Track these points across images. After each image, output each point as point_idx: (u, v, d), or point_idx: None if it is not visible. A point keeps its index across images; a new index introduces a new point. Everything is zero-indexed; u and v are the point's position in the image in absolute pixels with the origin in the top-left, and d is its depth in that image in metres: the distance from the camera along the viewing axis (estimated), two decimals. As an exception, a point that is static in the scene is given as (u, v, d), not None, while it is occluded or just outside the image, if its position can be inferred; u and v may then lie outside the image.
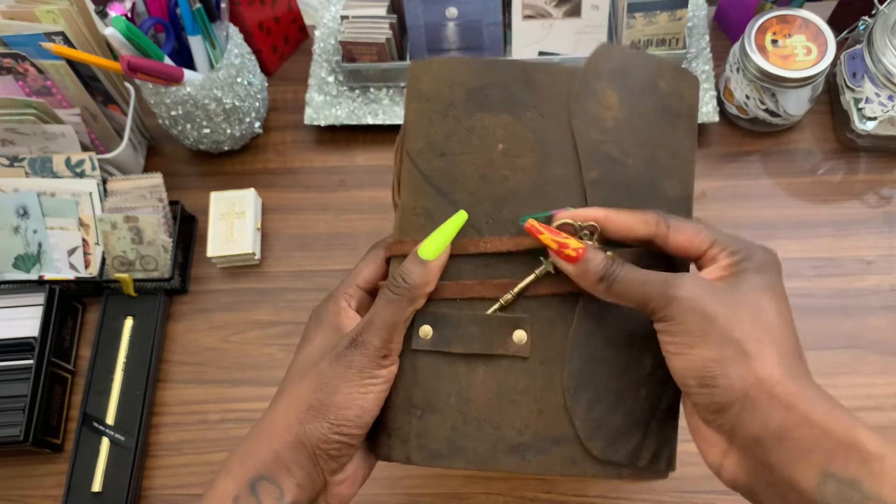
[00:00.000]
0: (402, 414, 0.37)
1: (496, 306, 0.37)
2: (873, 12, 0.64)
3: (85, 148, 0.69)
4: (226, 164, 0.75)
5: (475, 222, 0.37)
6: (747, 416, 0.31)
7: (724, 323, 0.32)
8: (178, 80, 0.64)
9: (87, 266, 0.68)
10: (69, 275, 0.67)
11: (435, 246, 0.36)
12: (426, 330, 0.37)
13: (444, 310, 0.37)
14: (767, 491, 0.32)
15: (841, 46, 0.69)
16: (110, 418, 0.63)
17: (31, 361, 0.62)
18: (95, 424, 0.62)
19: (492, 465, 0.36)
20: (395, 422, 0.37)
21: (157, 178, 0.68)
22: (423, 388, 0.37)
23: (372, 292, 0.40)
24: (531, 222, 0.36)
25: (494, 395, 0.36)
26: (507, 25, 0.73)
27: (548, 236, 0.35)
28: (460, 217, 0.37)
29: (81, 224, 0.68)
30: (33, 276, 0.67)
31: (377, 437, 0.38)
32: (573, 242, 0.34)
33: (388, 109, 0.75)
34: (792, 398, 0.31)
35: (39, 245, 0.68)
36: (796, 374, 0.32)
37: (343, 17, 0.72)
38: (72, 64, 0.65)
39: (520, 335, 0.36)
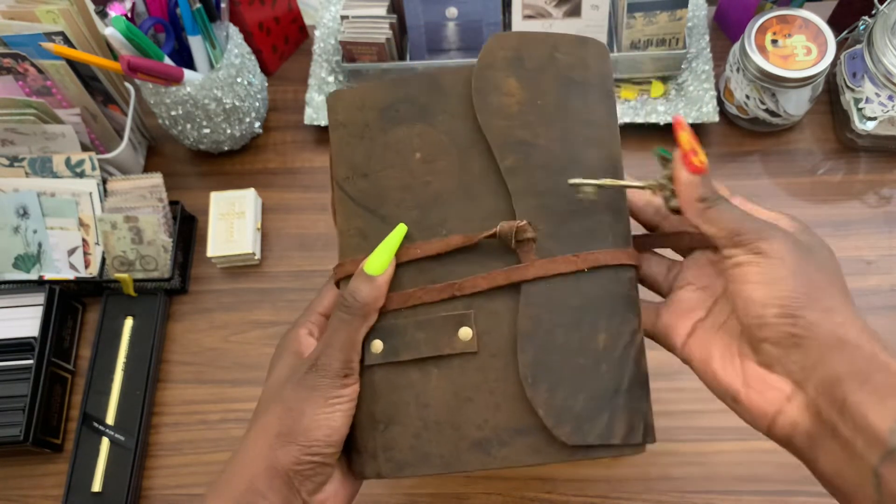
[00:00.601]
0: (367, 430, 0.38)
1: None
2: (873, 12, 0.64)
3: (85, 148, 0.69)
4: (226, 164, 0.75)
5: (408, 233, 0.38)
6: (833, 354, 0.32)
7: (817, 269, 0.34)
8: (178, 80, 0.64)
9: (87, 266, 0.68)
10: (69, 275, 0.67)
11: (380, 261, 0.37)
12: (377, 344, 0.38)
13: (391, 321, 0.38)
14: (828, 439, 0.32)
15: (841, 46, 0.69)
16: (110, 418, 0.63)
17: (31, 361, 0.62)
18: (95, 424, 0.62)
19: (457, 466, 0.36)
20: (362, 439, 0.38)
21: (157, 178, 0.68)
22: (382, 401, 0.37)
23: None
24: (677, 118, 0.36)
25: (450, 395, 0.36)
26: (507, 25, 0.73)
27: (687, 136, 0.36)
28: (401, 230, 0.38)
29: (81, 224, 0.68)
30: (33, 276, 0.67)
31: (351, 458, 0.39)
32: (702, 155, 0.36)
33: (388, 109, 0.75)
34: (874, 345, 0.32)
35: (39, 245, 0.68)
36: (859, 323, 0.33)
37: (343, 17, 0.72)
38: (72, 64, 0.65)
39: (465, 332, 0.36)
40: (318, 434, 0.35)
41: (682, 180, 0.36)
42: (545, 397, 0.35)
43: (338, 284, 0.41)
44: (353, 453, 0.39)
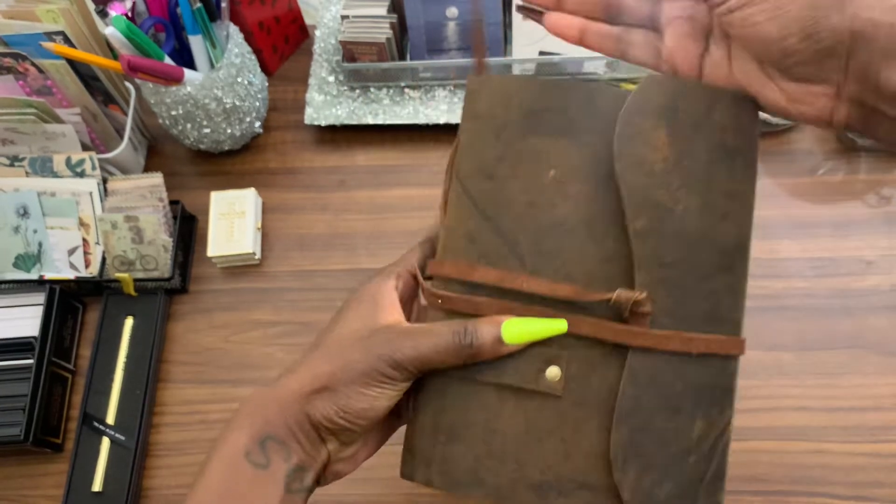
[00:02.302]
0: (427, 437, 0.37)
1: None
2: (874, 12, 0.64)
3: (85, 147, 0.69)
4: (226, 163, 0.75)
5: (517, 250, 0.35)
6: (855, 47, 0.31)
7: None
8: (178, 79, 0.64)
9: (87, 266, 0.68)
10: (69, 274, 0.67)
11: (521, 334, 0.34)
12: None
13: None
14: (881, 120, 0.32)
15: (841, 46, 0.69)
16: (110, 418, 0.63)
17: (31, 361, 0.62)
18: (96, 424, 0.62)
19: (511, 501, 0.35)
20: (420, 443, 0.37)
21: (157, 178, 0.68)
22: (450, 414, 0.36)
23: (418, 281, 0.40)
24: None
25: (522, 430, 0.35)
26: (507, 25, 0.73)
27: None
28: (560, 326, 0.34)
29: (82, 224, 0.68)
30: (33, 275, 0.67)
31: (404, 458, 0.38)
32: None
33: (388, 109, 0.75)
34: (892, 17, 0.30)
35: (40, 245, 0.68)
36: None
37: (343, 17, 0.72)
38: (72, 63, 0.65)
39: (553, 372, 0.35)
40: (358, 406, 0.35)
41: None
42: (632, 480, 0.34)
43: (427, 278, 0.39)
44: (405, 452, 0.38)
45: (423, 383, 0.37)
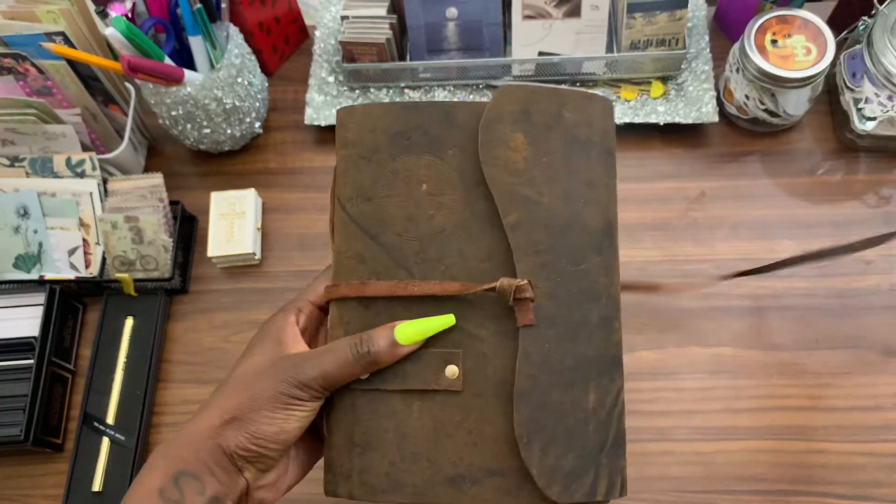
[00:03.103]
0: (343, 452, 0.38)
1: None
2: (873, 12, 0.64)
3: (85, 148, 0.69)
4: (226, 164, 0.75)
5: (404, 262, 0.38)
6: None
7: None
8: (178, 80, 0.64)
9: (87, 266, 0.68)
10: (69, 275, 0.67)
11: (413, 334, 0.37)
12: None
13: None
14: None
15: (840, 47, 0.69)
16: (111, 418, 0.63)
17: (31, 361, 0.62)
18: (96, 424, 0.62)
19: (429, 498, 0.37)
20: (338, 459, 0.38)
21: (157, 178, 0.68)
22: (362, 425, 0.38)
23: (324, 309, 0.42)
24: None
25: (430, 429, 0.37)
26: (507, 26, 0.73)
27: None
28: (447, 320, 0.37)
29: (82, 224, 0.68)
30: (34, 275, 0.67)
31: (326, 476, 0.39)
32: None
33: (388, 109, 0.75)
34: None
35: (40, 245, 0.68)
36: None
37: (343, 18, 0.72)
38: (72, 64, 0.65)
39: (452, 370, 0.37)
40: (269, 430, 0.36)
41: None
42: (538, 456, 0.36)
43: (327, 303, 0.41)
44: (326, 472, 0.39)
45: (332, 401, 0.39)
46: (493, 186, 0.37)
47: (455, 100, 0.38)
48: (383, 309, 0.38)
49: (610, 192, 0.40)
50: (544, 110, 0.38)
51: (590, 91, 0.39)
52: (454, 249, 0.38)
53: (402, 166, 0.39)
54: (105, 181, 0.69)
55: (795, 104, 0.67)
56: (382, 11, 0.72)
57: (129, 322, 0.67)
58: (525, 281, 0.36)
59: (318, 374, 0.36)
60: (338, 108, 0.41)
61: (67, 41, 0.63)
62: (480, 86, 0.75)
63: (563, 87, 0.39)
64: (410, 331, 0.37)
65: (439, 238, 0.38)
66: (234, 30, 0.68)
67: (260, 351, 0.40)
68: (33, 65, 0.63)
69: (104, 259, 0.67)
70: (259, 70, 0.72)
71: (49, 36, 0.62)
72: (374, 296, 0.38)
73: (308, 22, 0.82)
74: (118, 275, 0.66)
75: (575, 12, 0.69)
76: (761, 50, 0.65)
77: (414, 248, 0.38)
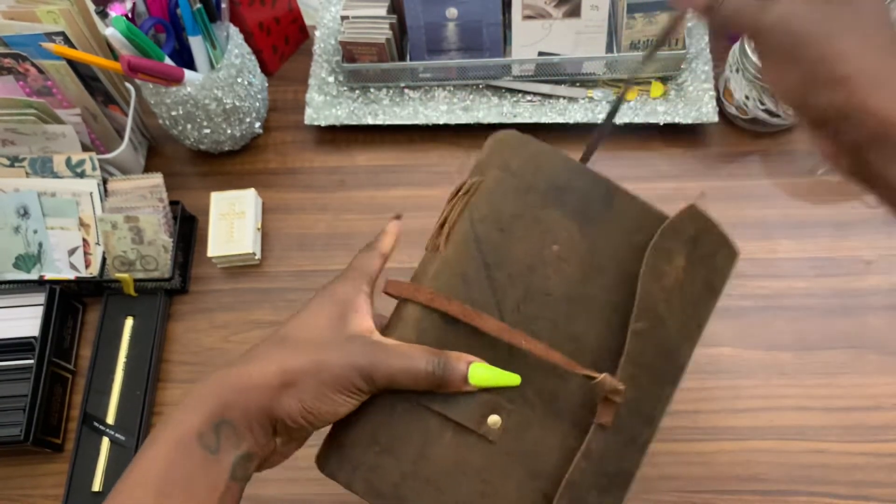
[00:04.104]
0: (362, 443, 0.38)
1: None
2: (873, 13, 0.64)
3: (85, 148, 0.69)
4: (226, 164, 0.75)
5: (501, 304, 0.39)
6: (841, 127, 0.33)
7: (814, 44, 0.33)
8: (178, 80, 0.64)
9: (87, 266, 0.68)
10: (69, 275, 0.67)
11: (484, 379, 0.37)
12: None
13: None
14: (872, 182, 0.35)
15: (840, 47, 0.69)
16: (111, 418, 0.63)
17: (31, 361, 0.62)
18: (96, 424, 0.62)
19: None
20: (353, 448, 0.38)
21: (157, 178, 0.68)
22: (391, 430, 0.38)
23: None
24: None
25: (451, 462, 0.38)
26: (506, 26, 0.73)
27: None
28: (515, 379, 0.38)
29: (82, 224, 0.68)
30: (34, 275, 0.67)
31: (328, 454, 0.39)
32: None
33: (387, 109, 0.75)
34: (885, 110, 0.32)
35: (40, 245, 0.68)
36: (889, 80, 0.32)
37: (343, 18, 0.72)
38: (72, 64, 0.65)
39: (495, 419, 0.38)
40: (323, 409, 0.36)
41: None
42: None
43: (398, 297, 0.40)
44: (333, 448, 0.38)
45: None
46: (641, 289, 0.38)
47: (622, 186, 0.40)
48: (463, 335, 0.38)
49: (698, 338, 0.41)
50: (708, 246, 0.40)
51: (734, 245, 0.42)
52: (550, 316, 0.39)
53: (546, 217, 0.40)
54: (105, 181, 0.69)
55: (795, 104, 0.67)
56: (382, 11, 0.72)
57: (129, 322, 0.67)
58: (623, 387, 0.37)
59: (388, 374, 0.36)
60: (508, 131, 0.42)
61: (67, 41, 0.63)
62: (480, 86, 0.75)
63: (726, 232, 0.42)
64: (483, 374, 0.37)
65: (543, 300, 0.39)
66: (234, 30, 0.68)
67: (327, 316, 0.38)
68: (33, 65, 0.64)
69: (104, 259, 0.67)
70: (259, 70, 0.72)
71: (49, 36, 0.62)
72: (479, 328, 0.38)
73: (308, 22, 0.82)
74: (118, 275, 0.66)
75: (575, 12, 0.69)
76: (761, 50, 0.65)
77: (517, 295, 0.39)
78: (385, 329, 0.39)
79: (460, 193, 0.41)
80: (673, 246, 0.39)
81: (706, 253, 0.40)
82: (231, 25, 0.68)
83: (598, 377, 0.37)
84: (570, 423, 0.38)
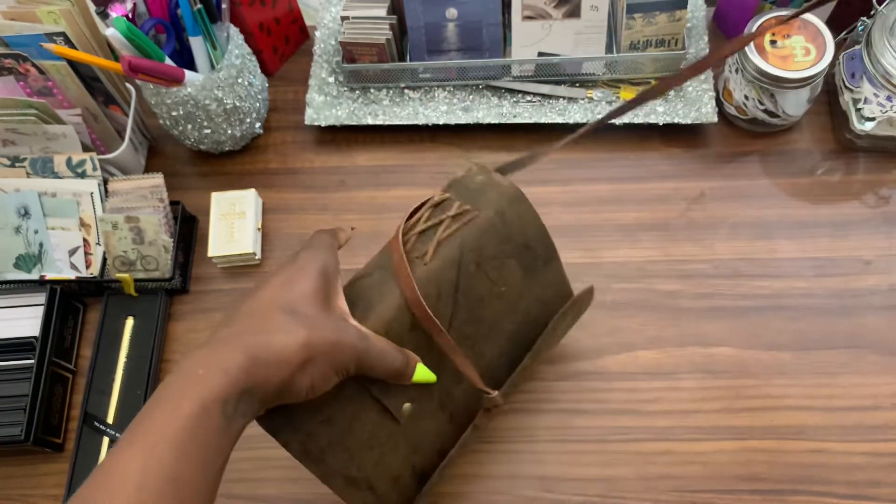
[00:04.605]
0: (310, 412, 0.42)
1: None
2: (872, 13, 0.64)
3: (86, 148, 0.69)
4: (226, 164, 0.76)
5: (453, 320, 0.47)
6: None
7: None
8: (178, 80, 0.64)
9: (88, 266, 0.68)
10: (70, 275, 0.68)
11: (420, 377, 0.44)
12: None
13: None
14: None
15: (840, 47, 0.69)
16: (111, 418, 0.63)
17: (31, 361, 0.62)
18: (96, 424, 0.63)
19: (329, 484, 0.45)
20: (302, 413, 0.42)
21: (157, 179, 0.68)
22: (336, 404, 0.43)
23: None
24: None
25: (366, 436, 0.45)
26: (506, 26, 0.73)
27: None
28: (433, 377, 0.45)
29: (82, 224, 0.68)
30: (34, 276, 0.67)
31: (274, 413, 0.41)
32: None
33: (388, 110, 0.75)
34: None
35: (40, 245, 0.68)
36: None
37: (343, 18, 0.72)
38: (73, 64, 0.65)
39: (408, 406, 0.46)
40: (322, 388, 0.39)
41: None
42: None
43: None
44: (281, 409, 0.40)
45: None
46: (541, 339, 0.53)
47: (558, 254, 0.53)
48: (417, 339, 0.45)
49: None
50: (586, 304, 0.60)
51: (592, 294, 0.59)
52: (476, 337, 0.49)
53: (509, 265, 0.49)
54: (106, 181, 0.69)
55: (794, 104, 0.67)
56: (382, 12, 0.72)
57: (130, 322, 0.67)
58: (503, 403, 0.49)
59: (370, 365, 0.40)
60: (512, 185, 0.50)
61: (68, 42, 0.63)
62: (480, 86, 0.75)
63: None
64: (420, 374, 0.44)
65: (477, 324, 0.49)
66: (234, 30, 0.68)
67: (317, 287, 0.40)
68: (34, 65, 0.64)
69: (105, 259, 0.67)
70: (259, 70, 0.72)
71: (50, 36, 0.62)
72: (437, 342, 0.45)
73: (308, 22, 0.82)
74: (119, 275, 0.66)
75: (574, 13, 0.69)
76: (760, 50, 0.65)
77: (463, 317, 0.47)
78: (353, 309, 0.43)
79: (452, 214, 0.47)
80: (569, 312, 0.54)
81: (583, 309, 0.58)
82: (231, 26, 0.68)
83: (492, 393, 0.47)
84: (449, 417, 0.50)
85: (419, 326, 0.44)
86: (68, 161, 0.68)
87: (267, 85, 0.75)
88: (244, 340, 0.36)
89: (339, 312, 0.40)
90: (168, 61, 0.65)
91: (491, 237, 0.47)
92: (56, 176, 0.68)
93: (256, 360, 0.36)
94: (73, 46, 0.63)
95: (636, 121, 0.71)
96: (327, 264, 0.41)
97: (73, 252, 0.68)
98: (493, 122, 0.72)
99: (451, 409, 0.50)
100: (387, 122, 0.74)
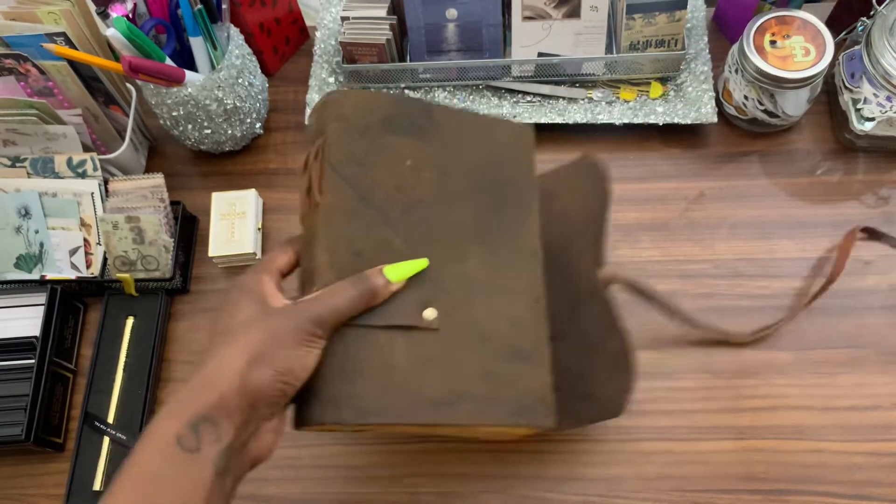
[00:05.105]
0: (333, 380, 0.41)
1: None
2: (872, 13, 0.64)
3: (86, 148, 0.69)
4: (227, 164, 0.76)
5: (390, 222, 0.45)
6: None
7: None
8: (179, 80, 0.64)
9: (88, 266, 0.68)
10: (71, 275, 0.68)
11: (401, 273, 0.43)
12: None
13: None
14: None
15: (839, 47, 0.69)
16: (111, 417, 0.63)
17: (32, 361, 0.62)
18: (97, 424, 0.63)
19: (414, 419, 0.42)
20: (328, 388, 0.41)
21: (158, 179, 0.68)
22: (351, 357, 0.42)
23: (284, 276, 0.46)
24: None
25: (413, 361, 0.43)
26: (506, 26, 0.73)
27: None
28: (423, 263, 0.45)
29: (83, 224, 0.68)
30: (35, 275, 0.67)
31: (310, 406, 0.41)
32: None
33: (388, 110, 0.75)
34: None
35: (41, 245, 0.68)
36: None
37: (343, 19, 0.72)
38: (73, 64, 0.65)
39: (430, 312, 0.44)
40: (293, 367, 0.38)
41: None
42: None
43: (289, 270, 0.46)
44: (310, 401, 0.41)
45: None
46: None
47: (439, 103, 0.50)
48: (373, 259, 0.43)
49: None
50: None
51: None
52: (432, 217, 0.46)
53: (389, 143, 0.47)
54: (106, 181, 0.69)
55: (794, 105, 0.67)
56: (382, 12, 0.72)
57: (130, 322, 0.67)
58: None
59: (330, 310, 0.40)
60: (330, 91, 0.48)
61: (68, 42, 0.63)
62: (480, 86, 0.76)
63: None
64: (398, 270, 0.43)
65: (421, 206, 0.46)
66: (234, 31, 0.68)
67: (245, 304, 0.41)
68: (34, 65, 0.64)
69: (105, 259, 0.67)
70: (259, 71, 0.73)
71: (50, 37, 0.62)
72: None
73: (308, 23, 0.83)
74: (119, 275, 0.66)
75: (574, 13, 0.69)
76: (760, 51, 0.65)
77: (398, 210, 0.45)
78: (304, 286, 0.44)
79: (311, 158, 0.46)
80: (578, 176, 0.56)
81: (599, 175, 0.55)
82: (232, 26, 0.68)
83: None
84: (485, 291, 0.47)
85: (362, 252, 0.43)
86: (69, 161, 0.68)
87: (267, 85, 0.75)
88: (186, 385, 0.38)
89: (276, 307, 0.41)
90: (168, 61, 0.65)
91: (348, 138, 0.46)
92: (56, 176, 0.68)
93: (199, 388, 0.37)
94: (73, 46, 0.63)
95: (636, 121, 0.71)
96: (243, 282, 0.42)
97: (73, 252, 0.68)
98: (493, 122, 0.72)
99: (477, 295, 0.46)
100: (387, 123, 0.74)
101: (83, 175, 0.68)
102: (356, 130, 0.46)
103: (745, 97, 0.68)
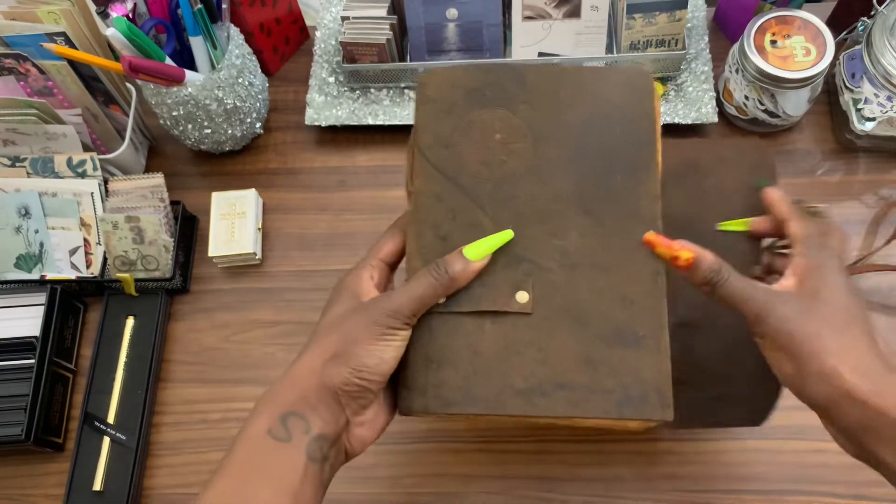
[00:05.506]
0: (419, 369, 0.41)
1: None
2: (872, 13, 0.64)
3: (86, 148, 0.69)
4: (227, 164, 0.76)
5: (478, 201, 0.43)
6: (833, 413, 0.39)
7: (807, 343, 0.39)
8: (179, 80, 0.64)
9: (88, 266, 0.68)
10: (70, 274, 0.68)
11: (481, 251, 0.41)
12: None
13: None
14: (870, 460, 0.40)
15: (840, 47, 0.69)
16: (111, 418, 0.63)
17: (32, 361, 0.62)
18: (97, 424, 0.63)
19: (501, 409, 0.40)
20: (414, 377, 0.41)
21: (158, 179, 0.68)
22: (437, 344, 0.41)
23: (392, 266, 0.45)
24: (649, 237, 0.41)
25: (501, 347, 0.41)
26: (507, 26, 0.73)
27: (662, 250, 0.41)
28: (507, 234, 0.42)
29: (83, 224, 0.68)
30: (35, 275, 0.67)
31: (401, 395, 0.42)
32: (684, 254, 0.40)
33: (388, 110, 0.75)
34: (866, 396, 0.37)
35: (41, 245, 0.68)
36: (869, 369, 0.38)
37: (344, 18, 0.72)
38: (73, 64, 0.65)
39: (522, 295, 0.41)
40: (369, 362, 0.39)
41: (683, 275, 0.41)
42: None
43: (395, 261, 0.45)
44: (401, 390, 0.42)
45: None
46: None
47: (524, 63, 0.47)
48: (459, 242, 0.42)
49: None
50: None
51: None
52: (524, 191, 0.43)
53: (477, 118, 0.44)
54: (106, 181, 0.69)
55: (795, 105, 0.67)
56: (383, 12, 0.72)
57: (130, 322, 0.67)
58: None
59: (406, 300, 0.40)
60: (421, 72, 0.47)
61: (68, 41, 0.63)
62: (480, 86, 0.75)
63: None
64: (478, 247, 0.41)
65: (511, 180, 0.43)
66: (234, 30, 0.68)
67: (340, 302, 0.42)
68: (34, 65, 0.64)
69: (105, 259, 0.67)
70: (260, 70, 0.72)
71: (50, 36, 0.62)
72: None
73: (308, 23, 0.82)
74: (119, 275, 0.66)
75: (575, 13, 0.69)
76: (761, 50, 0.65)
77: (487, 188, 0.43)
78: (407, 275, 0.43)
79: (409, 146, 0.46)
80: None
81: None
82: (232, 26, 0.68)
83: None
84: (590, 266, 0.42)
85: (449, 235, 0.42)
86: (69, 161, 0.68)
87: (267, 85, 0.75)
88: (274, 384, 0.40)
89: (362, 304, 0.41)
90: (168, 61, 0.65)
91: (435, 120, 0.45)
92: (56, 176, 0.68)
93: (284, 387, 0.39)
94: (73, 46, 0.63)
95: (636, 121, 0.71)
96: (341, 281, 0.44)
97: (73, 252, 0.68)
98: (493, 122, 0.72)
99: (586, 263, 0.42)
100: (387, 122, 0.74)
101: (83, 175, 0.68)
102: (443, 110, 0.45)
103: (746, 97, 0.68)
